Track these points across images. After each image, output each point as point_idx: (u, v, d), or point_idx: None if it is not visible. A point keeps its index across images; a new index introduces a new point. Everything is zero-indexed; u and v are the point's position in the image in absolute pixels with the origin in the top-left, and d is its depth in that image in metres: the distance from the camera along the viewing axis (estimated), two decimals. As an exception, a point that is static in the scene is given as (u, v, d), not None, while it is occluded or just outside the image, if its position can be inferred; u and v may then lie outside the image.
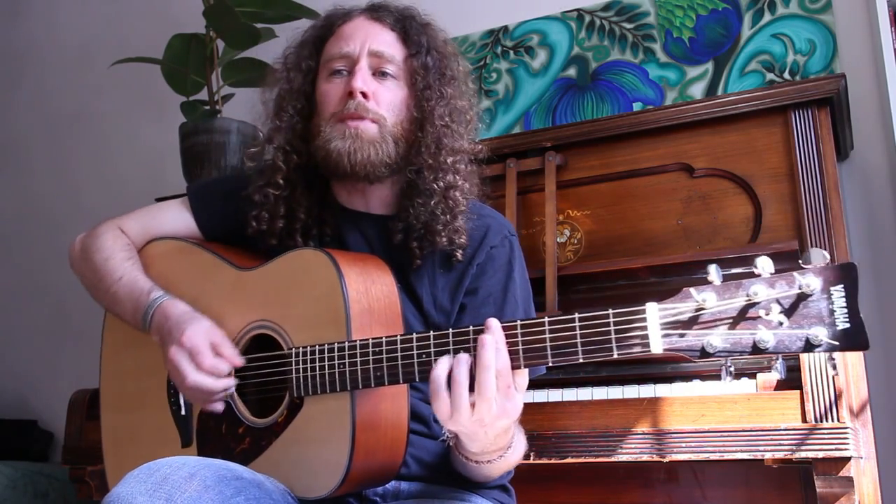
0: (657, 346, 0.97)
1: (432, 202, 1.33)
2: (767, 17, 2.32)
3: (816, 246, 1.74)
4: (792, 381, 1.54)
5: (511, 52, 2.62)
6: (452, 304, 1.36)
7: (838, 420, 1.45)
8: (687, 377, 1.67)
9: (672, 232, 1.94)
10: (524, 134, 2.20)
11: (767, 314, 0.92)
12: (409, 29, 1.39)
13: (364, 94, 1.33)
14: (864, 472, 1.58)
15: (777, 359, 0.93)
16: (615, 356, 1.00)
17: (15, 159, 3.50)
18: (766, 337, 0.91)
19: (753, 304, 0.93)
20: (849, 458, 1.43)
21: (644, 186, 1.99)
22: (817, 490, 1.46)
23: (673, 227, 1.94)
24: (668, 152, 1.97)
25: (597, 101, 2.49)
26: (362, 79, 1.33)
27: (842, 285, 0.90)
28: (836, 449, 1.43)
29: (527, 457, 1.64)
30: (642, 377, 1.70)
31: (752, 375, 1.62)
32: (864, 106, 2.15)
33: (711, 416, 1.55)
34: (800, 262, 0.93)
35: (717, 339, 0.94)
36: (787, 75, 2.27)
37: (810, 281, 0.91)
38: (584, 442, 1.63)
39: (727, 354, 0.94)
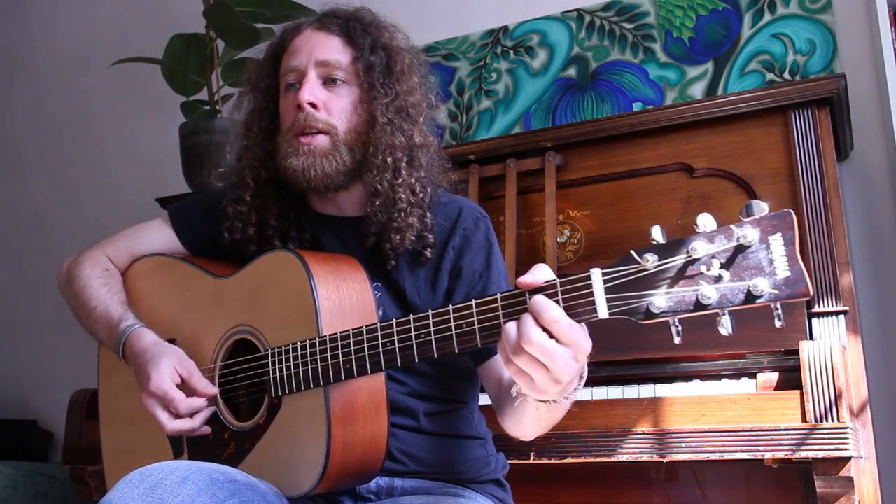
0: (603, 312, 0.96)
1: (378, 202, 1.35)
2: (767, 17, 2.31)
3: (816, 248, 1.73)
4: (792, 381, 1.54)
5: (511, 52, 2.62)
6: (435, 290, 1.37)
7: (838, 420, 1.45)
8: (687, 377, 1.67)
9: (672, 232, 1.91)
10: (524, 134, 2.19)
11: (708, 269, 0.91)
12: (353, 31, 1.40)
13: (313, 105, 1.34)
14: (864, 472, 1.58)
15: (723, 314, 0.91)
16: None
17: (14, 159, 3.49)
18: (709, 292, 0.90)
19: (694, 261, 0.92)
20: (849, 458, 1.44)
21: (644, 186, 1.99)
22: (817, 490, 1.46)
23: (673, 227, 1.94)
24: (668, 152, 1.97)
25: (597, 101, 2.49)
26: (308, 90, 1.35)
27: (779, 234, 0.88)
28: (836, 449, 1.43)
29: (527, 457, 1.65)
30: (642, 377, 1.70)
31: (752, 375, 1.62)
32: (864, 106, 2.15)
33: (711, 416, 1.55)
34: (740, 215, 0.91)
35: (661, 299, 0.93)
36: (787, 75, 2.27)
37: (748, 232, 0.89)
38: (584, 442, 1.63)
39: (672, 314, 0.93)
